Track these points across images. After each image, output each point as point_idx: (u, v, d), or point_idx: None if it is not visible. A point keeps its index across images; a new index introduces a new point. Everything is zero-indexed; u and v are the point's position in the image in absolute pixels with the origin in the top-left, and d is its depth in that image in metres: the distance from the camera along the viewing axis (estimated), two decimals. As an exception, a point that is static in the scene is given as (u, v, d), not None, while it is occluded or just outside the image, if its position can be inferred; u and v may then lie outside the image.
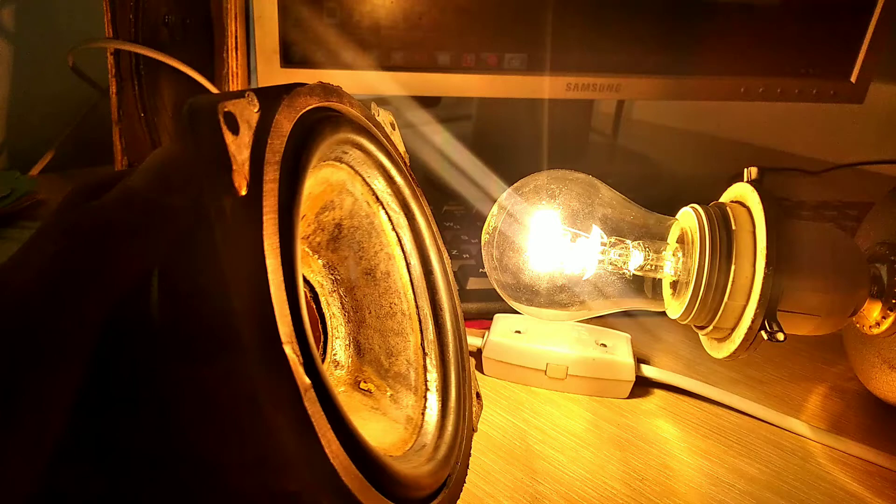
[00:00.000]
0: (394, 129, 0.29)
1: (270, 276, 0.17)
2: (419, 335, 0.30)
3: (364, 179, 0.28)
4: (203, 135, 0.17)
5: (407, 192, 0.29)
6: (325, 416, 0.17)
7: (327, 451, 0.17)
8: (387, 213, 0.29)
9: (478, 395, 0.31)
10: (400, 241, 0.30)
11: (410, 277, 0.30)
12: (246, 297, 0.16)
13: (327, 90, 0.23)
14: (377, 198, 0.29)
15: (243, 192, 0.17)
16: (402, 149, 0.30)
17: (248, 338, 0.16)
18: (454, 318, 0.30)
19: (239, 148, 0.17)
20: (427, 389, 0.28)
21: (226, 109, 0.17)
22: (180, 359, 0.17)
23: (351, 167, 0.27)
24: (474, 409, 0.30)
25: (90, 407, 0.18)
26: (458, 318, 0.31)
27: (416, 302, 0.30)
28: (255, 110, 0.18)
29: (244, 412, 0.17)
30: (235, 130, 0.17)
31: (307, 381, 0.17)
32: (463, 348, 0.30)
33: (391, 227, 0.30)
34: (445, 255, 0.31)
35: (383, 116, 0.29)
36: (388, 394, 0.29)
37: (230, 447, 0.17)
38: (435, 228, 0.31)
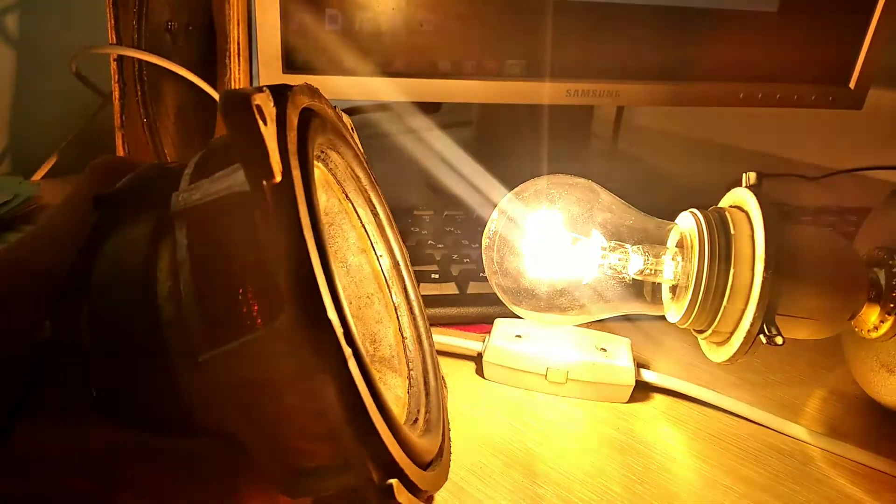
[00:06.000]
0: (353, 132, 0.31)
1: (311, 252, 0.18)
2: (396, 322, 0.32)
3: (336, 178, 0.30)
4: (240, 126, 0.18)
5: (370, 190, 0.31)
6: (364, 383, 0.18)
7: (371, 414, 0.18)
8: (355, 209, 0.31)
9: (443, 379, 0.33)
10: (369, 236, 0.32)
11: (382, 269, 0.32)
12: (290, 272, 0.17)
13: (312, 91, 0.24)
14: (346, 195, 0.31)
15: (278, 179, 0.18)
16: (361, 150, 0.32)
17: (295, 308, 0.17)
18: (420, 307, 0.33)
19: (269, 138, 0.18)
20: (410, 370, 0.30)
21: (256, 102, 0.18)
22: (207, 345, 0.18)
23: (326, 166, 0.29)
24: (443, 391, 0.32)
25: (99, 400, 0.18)
26: (422, 306, 0.33)
27: (389, 291, 0.32)
28: (272, 105, 0.19)
29: (289, 382, 0.18)
30: (265, 122, 0.18)
31: (349, 348, 0.18)
32: (429, 334, 0.33)
33: (360, 223, 0.32)
34: (405, 249, 0.34)
35: (346, 120, 0.30)
36: (378, 376, 0.30)
37: (273, 417, 0.18)
38: (394, 225, 0.33)
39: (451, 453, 0.28)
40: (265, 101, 0.19)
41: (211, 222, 0.19)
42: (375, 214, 0.32)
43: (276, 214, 0.18)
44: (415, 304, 0.33)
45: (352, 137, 0.30)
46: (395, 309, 0.32)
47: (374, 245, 0.32)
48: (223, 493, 0.19)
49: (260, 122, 0.18)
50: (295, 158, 0.19)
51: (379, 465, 0.18)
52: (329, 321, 0.17)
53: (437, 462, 0.25)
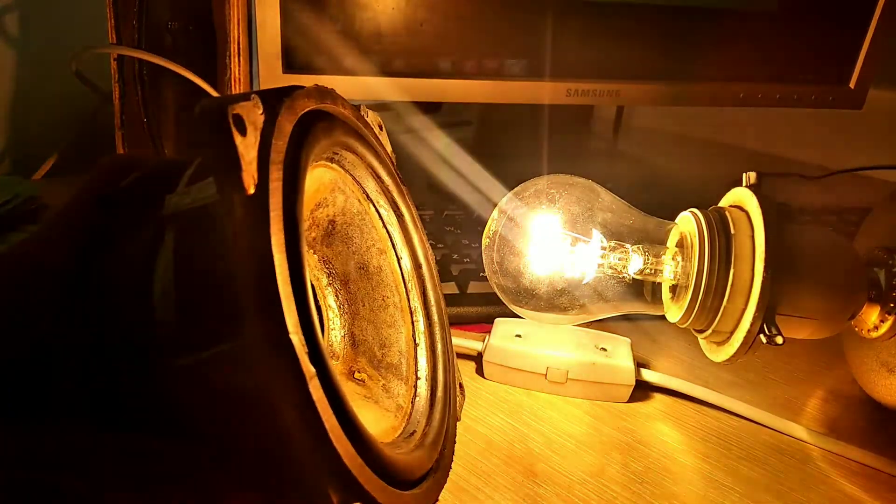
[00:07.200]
0: (381, 130, 0.31)
1: (278, 271, 0.17)
2: (410, 327, 0.31)
3: (354, 179, 0.29)
4: (214, 136, 0.17)
5: (394, 190, 0.31)
6: (328, 403, 0.18)
7: (331, 435, 0.18)
8: (377, 210, 0.31)
9: (461, 386, 0.32)
10: (390, 237, 0.31)
11: (401, 272, 0.32)
12: (255, 290, 0.17)
13: (322, 93, 0.24)
14: (367, 196, 0.30)
15: (251, 191, 0.18)
16: (388, 148, 0.31)
17: (256, 328, 0.17)
18: (440, 311, 0.32)
19: (247, 148, 0.18)
20: (417, 378, 0.30)
21: (234, 112, 0.18)
22: (185, 350, 0.18)
23: (342, 167, 0.28)
24: (458, 399, 0.31)
25: (92, 400, 0.18)
26: (443, 311, 0.32)
27: (407, 295, 0.31)
28: (260, 112, 0.19)
29: (250, 400, 0.17)
30: (243, 132, 0.18)
31: (312, 369, 0.18)
32: (449, 340, 0.32)
33: (382, 223, 0.31)
34: (430, 251, 0.33)
35: (371, 118, 0.30)
36: (381, 383, 0.30)
37: (234, 433, 0.18)
38: (420, 226, 0.32)
39: (450, 467, 0.27)
40: (250, 110, 0.18)
41: (194, 229, 0.19)
42: (399, 216, 0.31)
43: (246, 228, 0.17)
44: (433, 309, 0.32)
45: (377, 138, 0.30)
46: (412, 313, 0.31)
47: (396, 247, 0.31)
48: (208, 496, 0.19)
49: (235, 133, 0.17)
50: (277, 168, 0.19)
51: (340, 488, 0.18)
52: (290, 342, 0.17)
53: (430, 476, 0.25)
